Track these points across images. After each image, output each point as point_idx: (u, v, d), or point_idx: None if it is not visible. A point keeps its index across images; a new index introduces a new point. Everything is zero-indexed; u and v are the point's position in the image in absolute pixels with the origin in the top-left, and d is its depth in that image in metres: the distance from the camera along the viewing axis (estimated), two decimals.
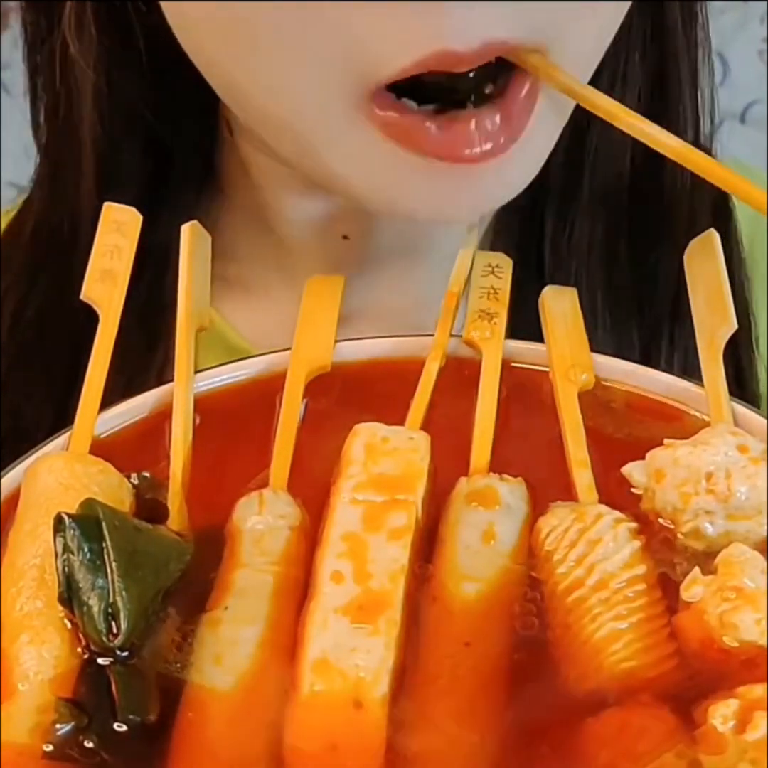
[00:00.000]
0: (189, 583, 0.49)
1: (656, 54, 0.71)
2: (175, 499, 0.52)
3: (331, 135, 0.57)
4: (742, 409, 0.54)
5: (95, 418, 0.55)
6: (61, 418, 0.60)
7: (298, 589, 0.49)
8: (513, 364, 0.58)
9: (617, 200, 0.73)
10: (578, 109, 0.59)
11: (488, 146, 0.56)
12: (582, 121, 0.69)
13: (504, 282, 0.61)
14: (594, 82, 0.67)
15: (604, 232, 0.73)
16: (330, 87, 0.55)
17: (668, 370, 0.69)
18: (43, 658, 0.46)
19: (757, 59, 1.72)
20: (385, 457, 0.52)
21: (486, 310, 0.59)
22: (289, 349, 0.59)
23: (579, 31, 0.58)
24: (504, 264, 0.62)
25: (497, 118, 0.56)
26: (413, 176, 0.57)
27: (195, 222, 0.61)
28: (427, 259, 0.74)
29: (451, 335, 0.59)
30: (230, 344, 0.74)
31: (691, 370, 0.64)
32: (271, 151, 0.63)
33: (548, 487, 0.53)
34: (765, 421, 0.53)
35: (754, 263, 0.79)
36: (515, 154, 0.57)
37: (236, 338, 0.75)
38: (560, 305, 0.60)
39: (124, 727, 0.44)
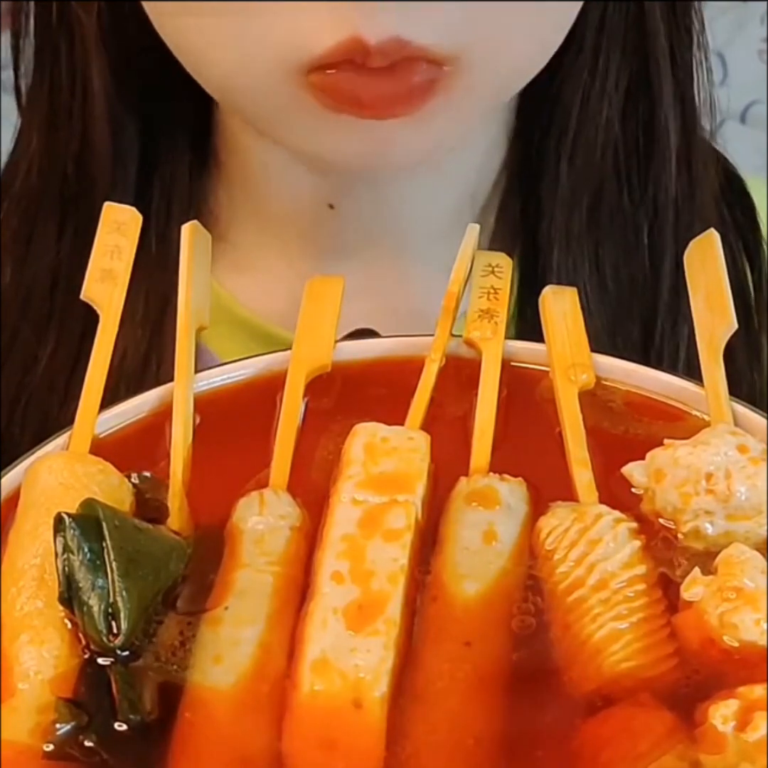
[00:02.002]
0: (189, 583, 0.49)
1: (637, 55, 0.72)
2: (175, 499, 0.52)
3: (269, 99, 0.62)
4: (742, 409, 0.54)
5: (95, 418, 0.55)
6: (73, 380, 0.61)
7: (299, 589, 0.49)
8: (513, 364, 0.58)
9: (606, 195, 0.74)
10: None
11: (387, 106, 0.59)
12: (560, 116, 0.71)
13: (504, 282, 0.61)
14: (572, 83, 0.69)
15: (596, 227, 0.74)
16: (268, 63, 0.60)
17: (671, 365, 0.69)
18: (44, 657, 0.46)
19: (757, 59, 1.72)
20: (385, 457, 0.52)
21: (486, 310, 0.59)
22: (289, 349, 0.59)
23: (504, 41, 0.60)
24: (504, 264, 0.62)
25: (390, 85, 0.59)
26: (335, 131, 0.62)
27: (195, 222, 0.61)
28: (416, 243, 0.75)
29: (452, 335, 0.59)
30: (230, 310, 0.76)
31: (693, 364, 0.65)
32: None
33: (548, 487, 0.53)
34: (765, 421, 0.53)
35: None
36: (418, 120, 0.60)
37: (236, 306, 0.76)
38: (560, 305, 0.60)
39: (125, 727, 0.44)
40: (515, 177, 0.76)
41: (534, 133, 0.74)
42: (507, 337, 0.59)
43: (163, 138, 0.74)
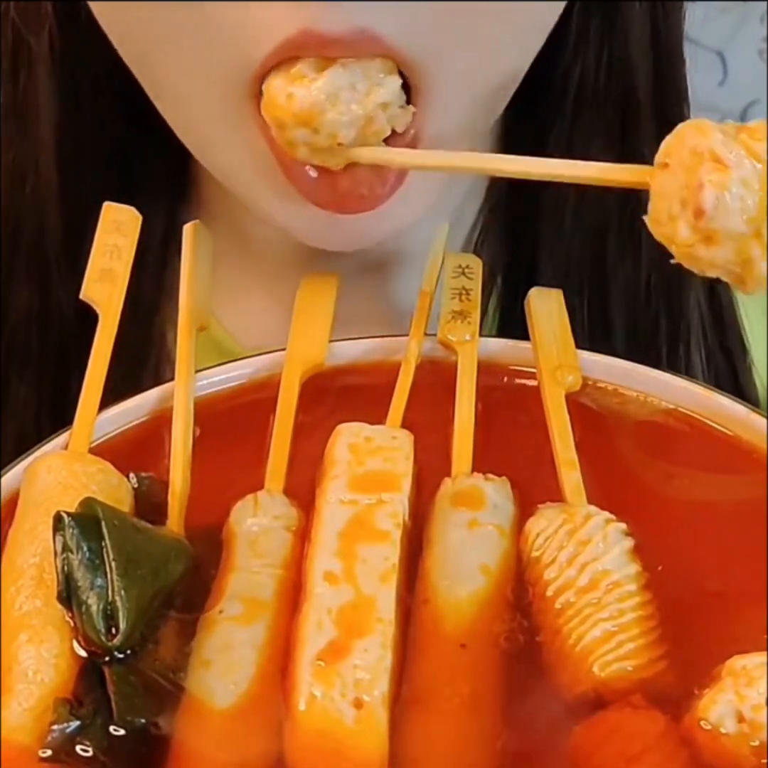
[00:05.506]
0: (188, 584, 0.49)
1: (618, 58, 0.72)
2: (174, 500, 0.52)
3: (221, 129, 0.59)
4: (743, 410, 0.54)
5: (95, 417, 0.56)
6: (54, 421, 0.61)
7: (295, 590, 0.49)
8: (498, 363, 0.58)
9: (604, 203, 0.74)
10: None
11: (357, 203, 0.57)
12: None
13: (475, 283, 0.61)
14: (556, 86, 0.69)
15: (585, 231, 0.74)
16: (216, 73, 0.56)
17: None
18: (42, 657, 0.46)
19: (757, 59, 1.72)
20: (369, 456, 0.52)
21: (459, 311, 0.60)
22: (284, 349, 0.59)
23: (480, 48, 0.57)
24: (474, 264, 0.62)
25: (365, 183, 0.56)
26: (292, 204, 0.58)
27: (197, 221, 0.62)
28: (406, 264, 0.75)
29: (426, 334, 0.59)
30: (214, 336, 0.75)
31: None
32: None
33: (533, 489, 0.53)
34: (765, 421, 0.54)
35: None
36: (387, 208, 0.58)
37: (222, 332, 0.76)
38: (546, 306, 0.60)
39: (122, 729, 0.44)
40: (502, 183, 0.76)
41: (519, 138, 0.74)
42: None
43: (139, 168, 0.72)
